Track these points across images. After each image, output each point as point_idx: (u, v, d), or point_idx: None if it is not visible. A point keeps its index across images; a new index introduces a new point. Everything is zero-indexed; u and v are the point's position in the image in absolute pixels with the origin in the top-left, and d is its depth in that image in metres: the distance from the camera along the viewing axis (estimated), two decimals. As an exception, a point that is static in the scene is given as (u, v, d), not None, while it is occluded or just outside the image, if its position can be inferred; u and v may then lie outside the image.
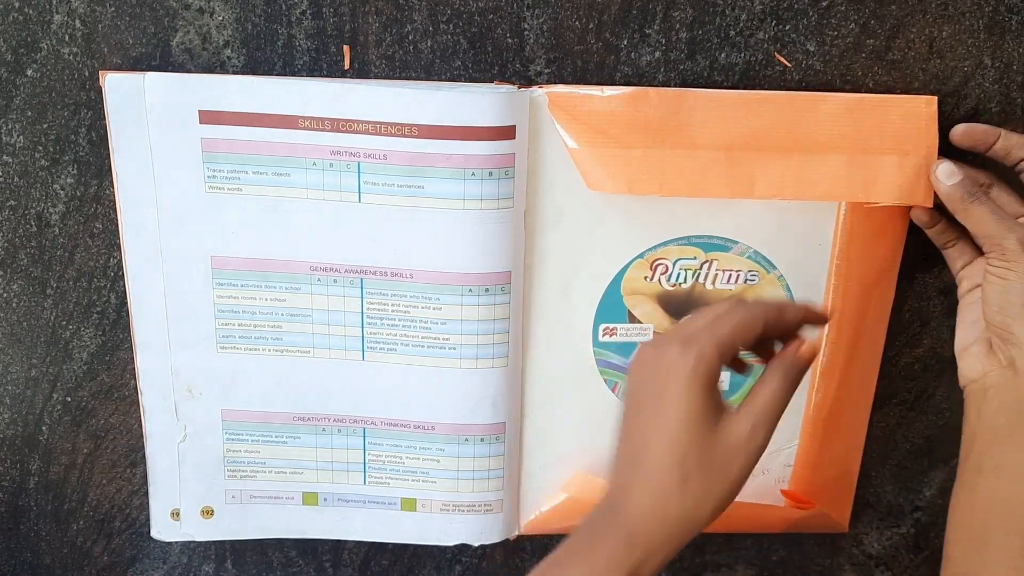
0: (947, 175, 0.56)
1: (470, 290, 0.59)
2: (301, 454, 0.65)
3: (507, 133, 0.56)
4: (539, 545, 0.70)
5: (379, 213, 0.58)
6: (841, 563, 0.71)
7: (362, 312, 0.61)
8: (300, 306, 0.61)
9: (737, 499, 0.67)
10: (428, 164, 0.56)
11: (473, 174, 0.56)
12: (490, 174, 0.57)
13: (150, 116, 0.57)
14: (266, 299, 0.61)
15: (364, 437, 0.64)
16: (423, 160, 0.56)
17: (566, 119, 0.57)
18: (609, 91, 0.57)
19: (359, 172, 0.57)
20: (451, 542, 0.67)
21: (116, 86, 0.56)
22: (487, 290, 0.59)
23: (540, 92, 0.57)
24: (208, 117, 0.57)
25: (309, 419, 0.64)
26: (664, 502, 0.46)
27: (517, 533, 0.68)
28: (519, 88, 0.57)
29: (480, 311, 0.60)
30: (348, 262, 0.60)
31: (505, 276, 0.59)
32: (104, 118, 0.57)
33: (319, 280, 0.60)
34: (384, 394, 0.63)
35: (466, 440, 0.63)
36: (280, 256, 0.60)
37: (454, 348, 0.61)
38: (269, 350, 0.62)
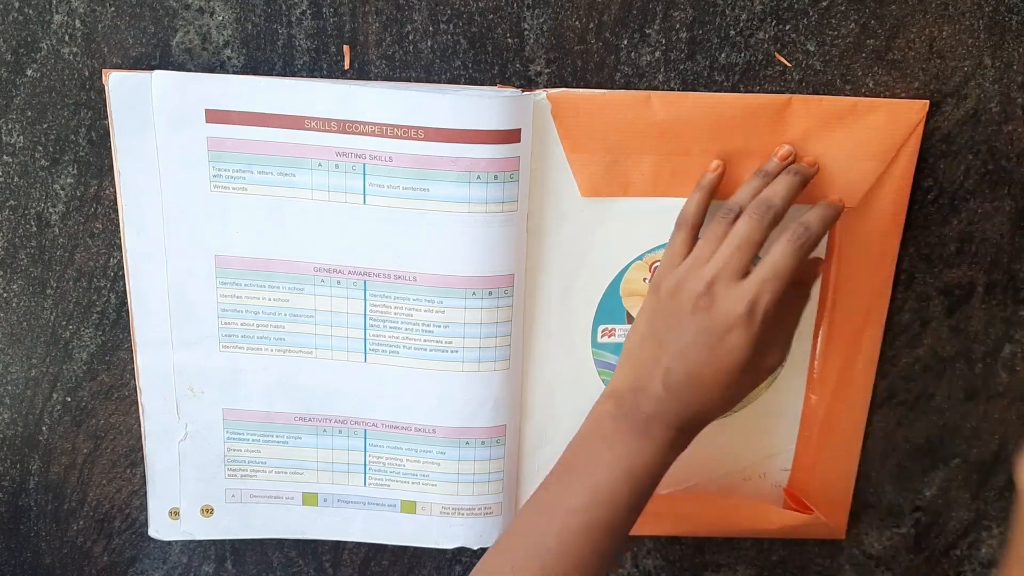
0: None
1: (473, 293, 0.59)
2: (302, 454, 0.65)
3: (512, 136, 0.56)
4: (539, 545, 0.70)
5: (384, 215, 0.58)
6: (841, 563, 0.71)
7: (365, 314, 0.61)
8: (303, 307, 0.61)
9: (735, 503, 0.67)
10: (434, 167, 0.56)
11: (479, 177, 0.56)
12: (495, 177, 0.57)
13: (156, 114, 0.57)
14: (269, 299, 0.61)
15: (365, 438, 0.64)
16: (429, 163, 0.56)
17: (565, 124, 0.57)
18: (611, 94, 0.57)
19: (364, 174, 0.57)
20: (450, 545, 0.67)
21: (120, 84, 0.56)
22: (490, 293, 0.59)
23: (543, 95, 0.57)
24: (214, 116, 0.57)
25: (310, 419, 0.64)
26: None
27: None
28: (523, 92, 0.57)
29: (483, 314, 0.60)
30: (352, 264, 0.59)
31: (508, 279, 0.59)
32: (105, 117, 0.57)
33: (322, 281, 0.60)
34: (386, 396, 0.63)
35: (467, 443, 0.63)
36: (284, 256, 0.60)
37: (456, 351, 0.61)
38: (271, 350, 0.62)
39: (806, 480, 0.66)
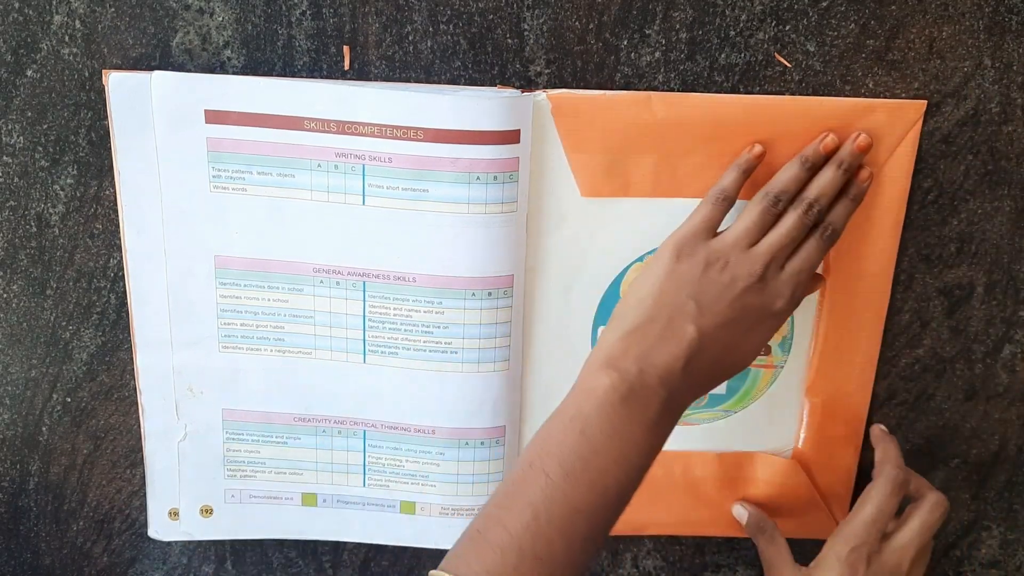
0: (738, 515, 0.66)
1: (473, 294, 0.59)
2: (301, 455, 0.65)
3: (512, 137, 0.56)
4: (539, 545, 0.69)
5: (383, 216, 0.58)
6: (841, 563, 0.71)
7: (364, 315, 0.61)
8: (302, 307, 0.61)
9: (727, 510, 0.67)
10: (433, 168, 0.56)
11: (478, 178, 0.56)
12: (495, 178, 0.57)
13: (156, 115, 0.57)
14: (268, 299, 0.61)
15: (364, 439, 0.64)
16: (428, 164, 0.56)
17: (566, 124, 0.57)
18: (611, 94, 0.57)
19: (364, 175, 0.57)
20: (450, 545, 0.66)
21: (120, 84, 0.56)
22: (489, 294, 0.59)
23: (543, 96, 0.57)
24: (214, 117, 0.57)
25: (309, 420, 0.64)
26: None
27: None
28: (523, 92, 0.57)
29: (482, 315, 0.60)
30: (351, 264, 0.60)
31: (507, 280, 0.59)
32: (105, 118, 0.57)
33: (322, 282, 0.60)
34: (385, 397, 0.63)
35: (466, 444, 0.63)
36: (283, 257, 0.60)
37: (456, 352, 0.61)
38: (271, 350, 0.62)
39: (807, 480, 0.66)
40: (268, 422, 0.64)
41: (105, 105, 0.57)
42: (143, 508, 0.67)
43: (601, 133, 0.57)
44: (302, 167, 0.57)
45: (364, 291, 0.60)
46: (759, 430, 0.66)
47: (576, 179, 0.58)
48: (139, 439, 0.65)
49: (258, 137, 0.57)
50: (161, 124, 0.57)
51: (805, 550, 0.71)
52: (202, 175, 0.58)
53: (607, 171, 0.58)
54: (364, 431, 0.64)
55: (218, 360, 0.62)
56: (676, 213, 0.59)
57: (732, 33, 0.57)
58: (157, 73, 0.56)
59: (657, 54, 0.57)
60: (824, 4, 0.56)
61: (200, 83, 0.56)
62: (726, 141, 0.57)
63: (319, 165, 0.57)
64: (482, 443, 0.63)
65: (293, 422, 0.64)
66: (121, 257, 0.60)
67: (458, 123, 0.55)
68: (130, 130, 0.57)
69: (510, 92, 0.57)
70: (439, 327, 0.60)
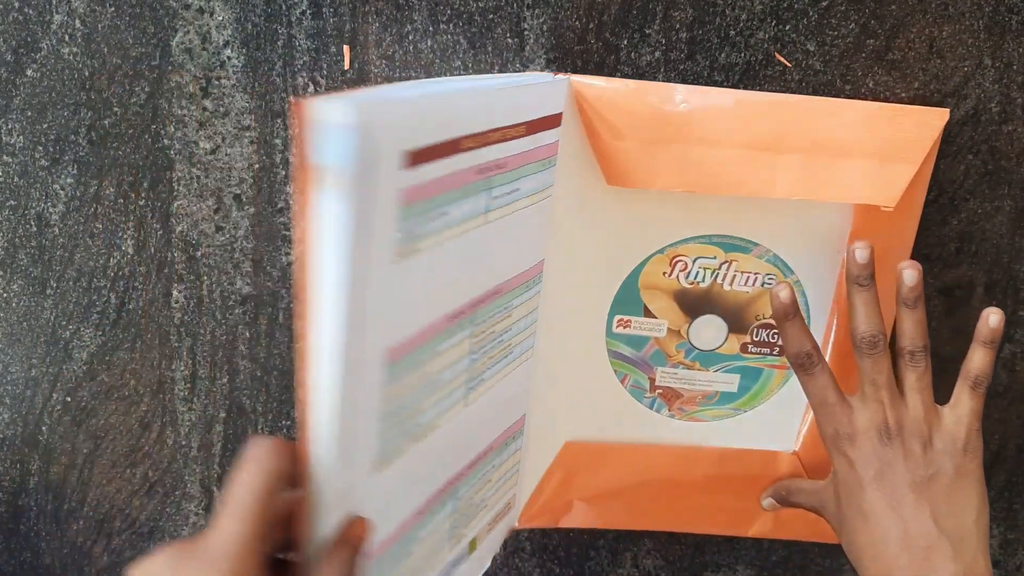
0: (768, 506, 0.65)
1: (527, 287, 0.55)
2: None
3: (557, 121, 0.52)
4: (539, 546, 0.70)
5: (502, 226, 0.49)
6: (841, 563, 0.71)
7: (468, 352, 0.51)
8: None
9: (737, 503, 0.67)
10: (528, 161, 0.49)
11: (543, 165, 0.52)
12: (546, 164, 0.52)
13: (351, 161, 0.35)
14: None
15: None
16: (526, 158, 0.49)
17: (590, 111, 0.56)
18: (634, 84, 0.55)
19: (490, 188, 0.47)
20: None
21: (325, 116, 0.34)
22: (531, 283, 0.55)
23: (566, 81, 0.54)
24: (416, 157, 0.39)
25: None
26: None
27: (514, 527, 0.67)
28: (555, 75, 0.54)
29: (526, 307, 0.56)
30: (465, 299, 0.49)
31: (540, 267, 0.56)
32: (105, 117, 0.57)
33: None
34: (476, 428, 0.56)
35: (505, 443, 0.59)
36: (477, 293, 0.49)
37: (512, 350, 0.56)
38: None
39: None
40: None
41: (105, 104, 0.57)
42: (143, 507, 0.67)
43: (626, 122, 0.55)
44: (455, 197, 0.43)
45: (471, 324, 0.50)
46: (766, 429, 0.65)
47: (601, 167, 0.56)
48: (139, 439, 0.65)
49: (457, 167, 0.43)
50: (355, 173, 0.35)
51: (805, 549, 0.71)
52: (384, 239, 0.39)
53: (634, 159, 0.55)
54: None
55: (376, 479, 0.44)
56: (699, 207, 0.58)
57: (732, 33, 0.57)
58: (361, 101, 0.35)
59: (657, 54, 0.57)
60: (824, 4, 0.56)
61: (399, 111, 0.38)
62: (748, 135, 0.56)
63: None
64: (514, 437, 0.60)
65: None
66: (120, 257, 0.60)
67: (539, 111, 0.49)
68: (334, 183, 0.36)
69: (547, 75, 0.54)
70: (507, 331, 0.54)
